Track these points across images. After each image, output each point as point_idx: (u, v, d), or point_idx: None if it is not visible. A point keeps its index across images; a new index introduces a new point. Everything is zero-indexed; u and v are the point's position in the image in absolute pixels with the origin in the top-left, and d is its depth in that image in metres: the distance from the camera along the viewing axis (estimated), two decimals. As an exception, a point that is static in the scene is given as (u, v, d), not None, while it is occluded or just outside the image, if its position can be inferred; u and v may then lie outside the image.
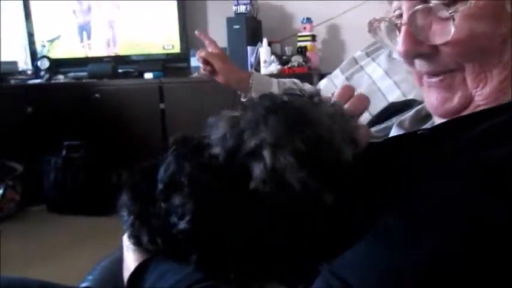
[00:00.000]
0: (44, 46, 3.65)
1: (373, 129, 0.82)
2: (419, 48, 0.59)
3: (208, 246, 0.58)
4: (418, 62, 0.62)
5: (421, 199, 0.49)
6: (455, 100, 0.60)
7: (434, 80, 0.61)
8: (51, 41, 3.66)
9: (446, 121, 0.62)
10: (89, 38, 3.64)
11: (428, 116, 0.72)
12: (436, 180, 0.49)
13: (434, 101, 0.62)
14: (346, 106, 0.66)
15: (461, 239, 0.45)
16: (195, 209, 0.56)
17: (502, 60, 0.56)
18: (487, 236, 0.45)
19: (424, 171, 0.51)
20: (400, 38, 0.59)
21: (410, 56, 0.61)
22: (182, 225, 0.57)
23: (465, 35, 0.55)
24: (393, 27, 0.62)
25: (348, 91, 0.68)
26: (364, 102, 0.67)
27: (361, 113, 0.67)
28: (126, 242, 0.73)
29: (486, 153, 0.49)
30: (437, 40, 0.57)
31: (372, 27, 0.66)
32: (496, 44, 0.55)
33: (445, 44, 0.56)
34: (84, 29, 3.64)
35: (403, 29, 0.59)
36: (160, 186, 0.61)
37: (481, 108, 0.58)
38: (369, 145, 0.65)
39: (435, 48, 0.58)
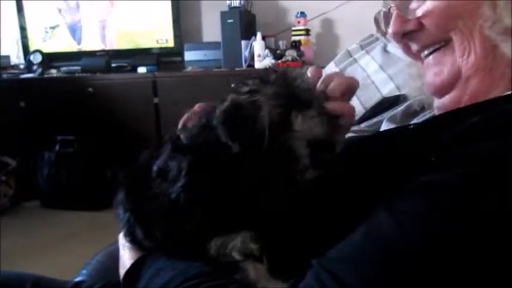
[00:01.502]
0: (47, 32, 3.62)
1: (364, 124, 0.82)
2: (406, 26, 0.63)
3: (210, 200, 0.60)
4: (411, 43, 0.65)
5: (410, 194, 0.49)
6: (445, 73, 0.62)
7: (428, 57, 0.64)
8: (53, 27, 3.63)
9: (437, 115, 0.63)
10: (80, 40, 3.62)
11: (419, 111, 0.72)
12: (426, 175, 0.49)
13: (428, 79, 0.65)
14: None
15: (451, 232, 0.45)
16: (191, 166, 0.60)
17: (477, 21, 0.58)
18: (479, 229, 0.45)
19: (414, 166, 0.51)
20: (392, 20, 0.64)
21: (398, 35, 0.65)
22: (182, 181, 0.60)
23: (440, 3, 0.59)
24: (389, 16, 0.66)
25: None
26: (317, 73, 0.69)
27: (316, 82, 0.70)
28: (122, 240, 0.73)
29: (476, 146, 0.49)
30: (419, 13, 0.61)
31: (377, 20, 0.69)
32: (471, 6, 0.58)
33: (426, 15, 0.60)
34: (75, 29, 3.62)
35: (394, 12, 0.64)
36: (156, 167, 0.64)
37: (472, 80, 0.59)
38: (358, 138, 0.66)
39: (421, 24, 0.62)
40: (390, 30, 0.64)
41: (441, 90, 0.64)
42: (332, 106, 0.63)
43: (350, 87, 0.67)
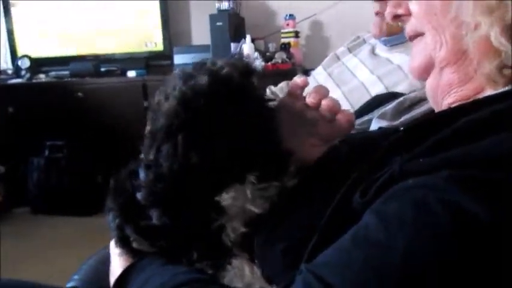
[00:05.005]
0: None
1: (356, 122, 0.83)
2: (398, 9, 0.69)
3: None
4: (405, 28, 0.69)
5: (396, 196, 0.49)
6: (421, 59, 0.66)
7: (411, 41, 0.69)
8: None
9: (425, 118, 0.64)
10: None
11: (410, 107, 0.73)
12: (411, 179, 0.50)
13: (409, 63, 0.69)
14: None
15: (436, 236, 0.45)
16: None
17: (448, 18, 0.61)
18: (463, 232, 0.45)
19: (402, 170, 0.52)
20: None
21: (390, 16, 0.71)
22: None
23: None
24: None
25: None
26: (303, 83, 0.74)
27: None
28: (113, 248, 0.73)
29: (461, 150, 0.50)
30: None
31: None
32: (444, 4, 0.61)
33: (413, 4, 0.65)
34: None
35: None
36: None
37: (445, 71, 0.63)
38: (347, 139, 0.67)
39: (409, 10, 0.67)
40: (386, 10, 0.71)
41: (418, 75, 0.68)
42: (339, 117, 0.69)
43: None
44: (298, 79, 0.72)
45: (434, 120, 0.59)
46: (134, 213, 0.68)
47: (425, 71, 0.66)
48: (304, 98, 0.72)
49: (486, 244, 0.45)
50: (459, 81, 0.61)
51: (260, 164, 0.63)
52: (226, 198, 0.63)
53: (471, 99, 0.59)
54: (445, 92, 0.63)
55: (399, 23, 0.71)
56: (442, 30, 0.61)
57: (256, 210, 0.63)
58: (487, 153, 0.48)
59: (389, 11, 0.71)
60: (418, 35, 0.66)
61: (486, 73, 0.58)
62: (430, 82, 0.66)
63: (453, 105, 0.62)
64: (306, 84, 0.72)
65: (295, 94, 0.73)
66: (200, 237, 0.65)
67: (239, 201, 0.63)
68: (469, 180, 0.46)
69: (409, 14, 0.66)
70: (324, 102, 0.69)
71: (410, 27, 0.67)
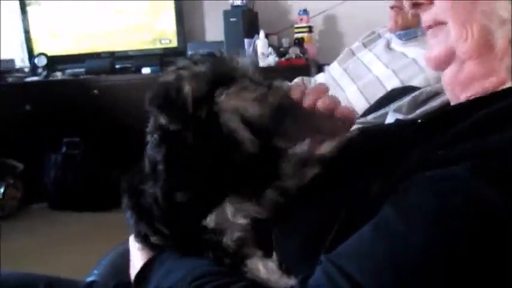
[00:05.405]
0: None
1: (371, 116, 0.83)
2: None
3: None
4: (422, 17, 0.67)
5: (416, 188, 0.49)
6: (440, 49, 0.64)
7: (429, 32, 0.67)
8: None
9: (443, 110, 0.63)
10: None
11: (426, 101, 0.73)
12: (431, 170, 0.50)
13: (426, 52, 0.67)
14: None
15: (457, 228, 0.45)
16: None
17: (477, 10, 0.59)
18: (482, 224, 0.45)
19: (421, 160, 0.51)
20: None
21: (410, 4, 0.67)
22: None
23: None
24: None
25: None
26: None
27: None
28: (133, 242, 0.74)
29: (481, 141, 0.49)
30: None
31: None
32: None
33: None
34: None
35: None
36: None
37: (467, 63, 0.61)
38: (365, 131, 0.67)
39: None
40: None
41: (436, 65, 0.66)
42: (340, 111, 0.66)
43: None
44: (294, 91, 0.70)
45: (453, 113, 0.59)
46: (147, 212, 0.69)
47: (444, 62, 0.64)
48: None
49: (508, 236, 0.44)
50: (482, 75, 0.60)
51: (244, 184, 0.63)
52: (210, 221, 0.63)
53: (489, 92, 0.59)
54: (465, 85, 0.62)
55: (415, 12, 0.68)
56: (469, 22, 0.59)
57: (243, 222, 0.63)
58: (506, 145, 0.48)
59: None
60: (437, 24, 0.64)
61: (509, 66, 0.57)
62: (448, 73, 0.64)
63: (471, 98, 0.61)
64: (302, 93, 0.71)
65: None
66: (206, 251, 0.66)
67: (223, 222, 0.63)
68: (492, 171, 0.46)
69: (429, 1, 0.64)
70: (320, 102, 0.68)
71: (429, 15, 0.65)
